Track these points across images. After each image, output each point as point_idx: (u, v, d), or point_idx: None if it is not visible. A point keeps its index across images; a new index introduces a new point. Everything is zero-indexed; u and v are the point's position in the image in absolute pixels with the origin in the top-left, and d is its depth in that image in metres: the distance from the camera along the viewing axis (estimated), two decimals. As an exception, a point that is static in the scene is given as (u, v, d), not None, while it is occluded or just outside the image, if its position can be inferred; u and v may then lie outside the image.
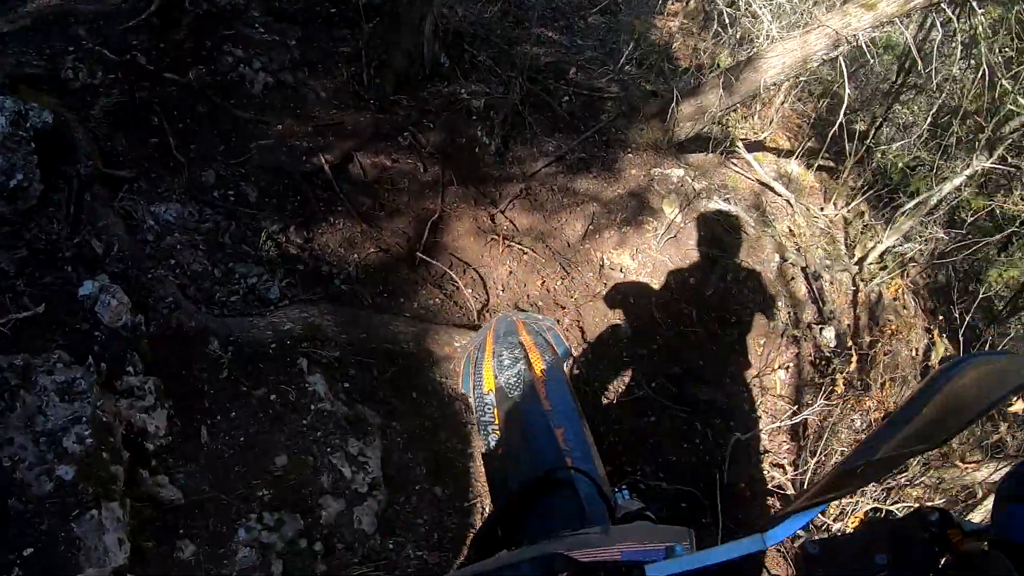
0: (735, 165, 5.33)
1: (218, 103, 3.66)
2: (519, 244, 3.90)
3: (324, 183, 3.57)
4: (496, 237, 3.79)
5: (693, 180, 4.80)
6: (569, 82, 4.92)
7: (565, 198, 4.28)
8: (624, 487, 1.43)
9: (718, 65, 6.28)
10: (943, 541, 0.65)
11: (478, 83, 4.38)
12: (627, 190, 4.52)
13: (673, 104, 4.61)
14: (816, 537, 0.70)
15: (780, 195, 5.37)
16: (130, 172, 3.33)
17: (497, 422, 1.41)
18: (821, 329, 4.66)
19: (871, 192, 5.72)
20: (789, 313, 4.55)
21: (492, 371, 1.46)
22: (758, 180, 5.34)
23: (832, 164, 6.19)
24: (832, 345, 4.59)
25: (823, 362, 4.46)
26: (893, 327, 5.12)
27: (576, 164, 4.46)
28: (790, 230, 5.17)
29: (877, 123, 6.45)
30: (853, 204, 5.76)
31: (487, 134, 4.13)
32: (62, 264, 2.92)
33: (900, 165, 6.05)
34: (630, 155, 4.69)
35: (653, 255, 4.29)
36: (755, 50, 5.05)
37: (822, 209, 5.73)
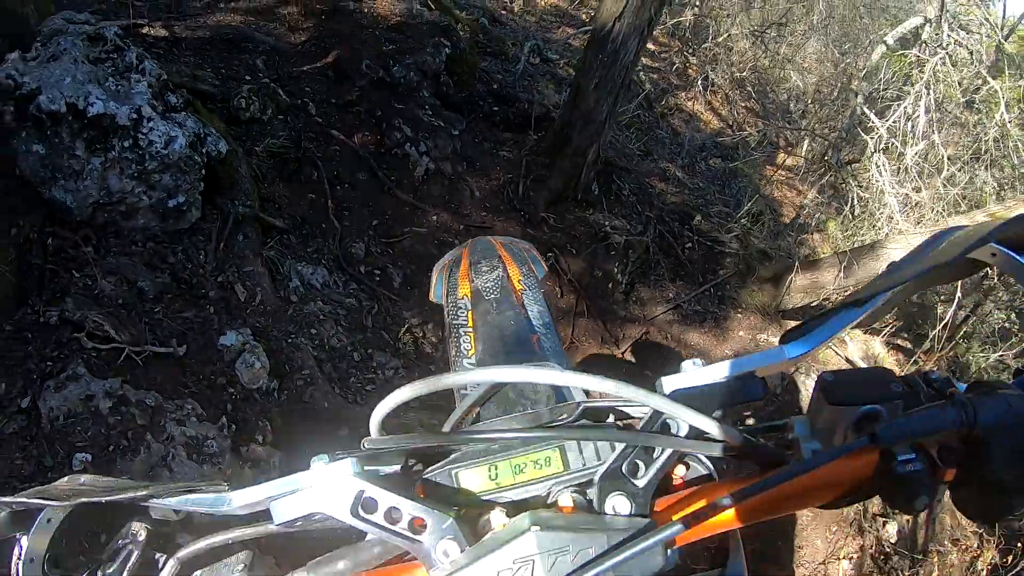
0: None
1: (380, 176, 3.57)
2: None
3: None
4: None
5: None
6: (693, 229, 4.91)
7: (677, 348, 4.18)
8: None
9: (825, 225, 6.34)
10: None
11: (620, 217, 4.33)
12: (733, 351, 4.44)
13: (792, 275, 4.57)
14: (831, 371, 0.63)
15: None
16: (284, 222, 3.21)
17: (471, 324, 1.34)
18: (885, 523, 4.51)
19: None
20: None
21: (468, 277, 1.43)
22: (847, 358, 5.31)
23: (910, 346, 6.14)
24: (893, 541, 4.44)
25: (882, 557, 4.30)
26: (951, 527, 5.02)
27: (691, 315, 4.40)
28: None
29: (969, 319, 6.35)
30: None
31: (621, 271, 4.05)
32: (204, 303, 2.76)
33: (983, 365, 5.94)
34: (739, 315, 4.64)
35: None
36: (878, 235, 5.05)
37: None
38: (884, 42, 6.31)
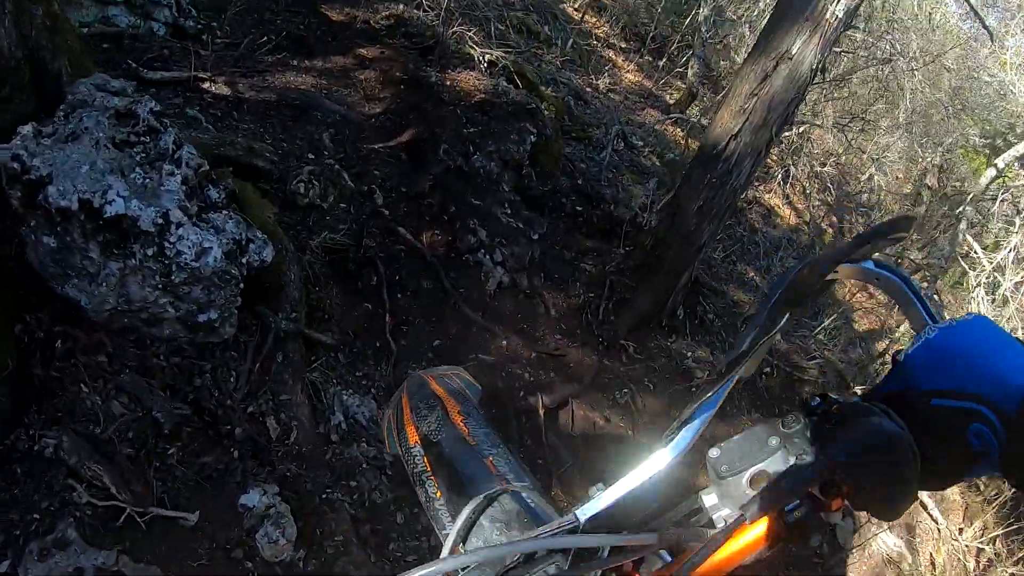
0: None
1: (447, 287, 3.12)
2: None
3: (533, 428, 2.96)
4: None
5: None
6: (772, 351, 4.41)
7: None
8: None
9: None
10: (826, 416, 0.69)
11: (704, 346, 3.84)
12: None
13: None
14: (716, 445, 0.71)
15: (934, 520, 5.00)
16: (333, 338, 2.76)
17: (429, 468, 1.34)
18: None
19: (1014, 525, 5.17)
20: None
21: (412, 424, 1.42)
22: (915, 497, 4.85)
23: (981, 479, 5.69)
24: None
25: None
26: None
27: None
28: (931, 559, 4.80)
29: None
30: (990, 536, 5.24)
31: (700, 414, 3.54)
32: (228, 443, 2.31)
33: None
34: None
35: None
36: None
37: (960, 531, 5.25)
38: (995, 165, 5.81)
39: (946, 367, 0.65)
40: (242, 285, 2.39)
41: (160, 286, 2.16)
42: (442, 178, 3.51)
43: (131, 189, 2.09)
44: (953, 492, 5.63)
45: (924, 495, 4.93)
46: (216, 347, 2.45)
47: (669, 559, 0.75)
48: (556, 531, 0.71)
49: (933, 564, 4.85)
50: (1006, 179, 5.78)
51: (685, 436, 0.72)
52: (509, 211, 3.60)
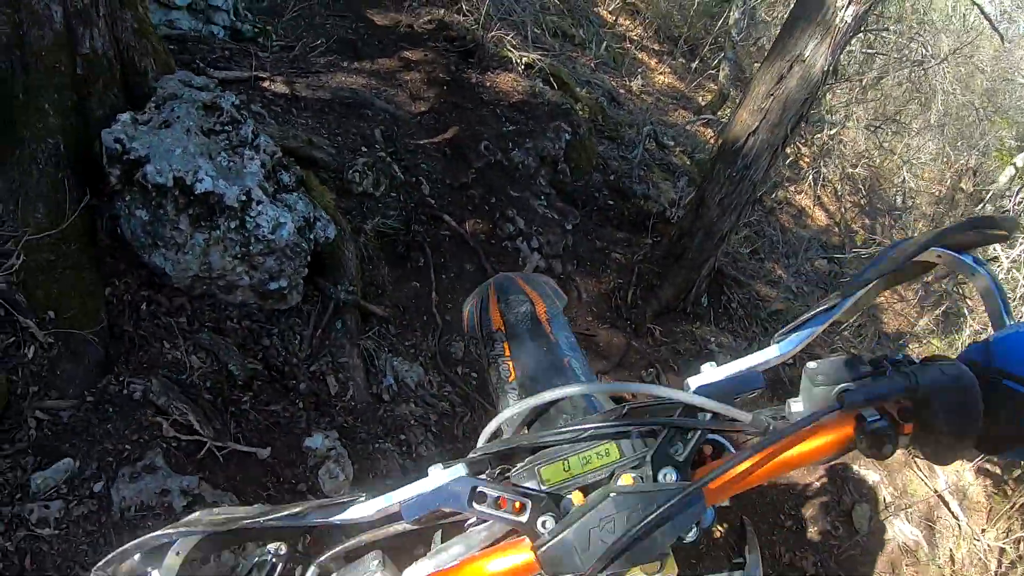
0: (917, 466, 4.95)
1: (488, 269, 3.40)
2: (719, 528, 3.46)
3: (564, 400, 3.21)
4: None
5: (886, 488, 4.41)
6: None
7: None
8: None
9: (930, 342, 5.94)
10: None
11: (728, 333, 4.05)
12: (820, 485, 4.10)
13: None
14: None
15: (955, 515, 4.98)
16: (384, 310, 3.04)
17: (507, 353, 1.46)
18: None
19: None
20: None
21: (500, 312, 1.54)
22: (935, 491, 4.93)
23: (999, 472, 5.71)
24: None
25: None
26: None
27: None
28: (951, 556, 4.74)
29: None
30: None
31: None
32: (294, 396, 2.60)
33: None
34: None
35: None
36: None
37: (983, 531, 5.29)
38: (1013, 164, 5.91)
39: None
40: (309, 258, 2.69)
41: (239, 256, 2.46)
42: (483, 172, 3.79)
43: (218, 170, 2.40)
44: (978, 493, 5.68)
45: (945, 492, 5.02)
46: (283, 313, 2.74)
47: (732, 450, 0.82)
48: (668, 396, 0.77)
49: (952, 560, 4.89)
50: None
51: (793, 340, 0.79)
52: (545, 203, 3.86)
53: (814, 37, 3.06)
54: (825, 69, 3.10)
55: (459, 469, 0.74)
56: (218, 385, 2.43)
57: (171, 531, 0.70)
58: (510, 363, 1.47)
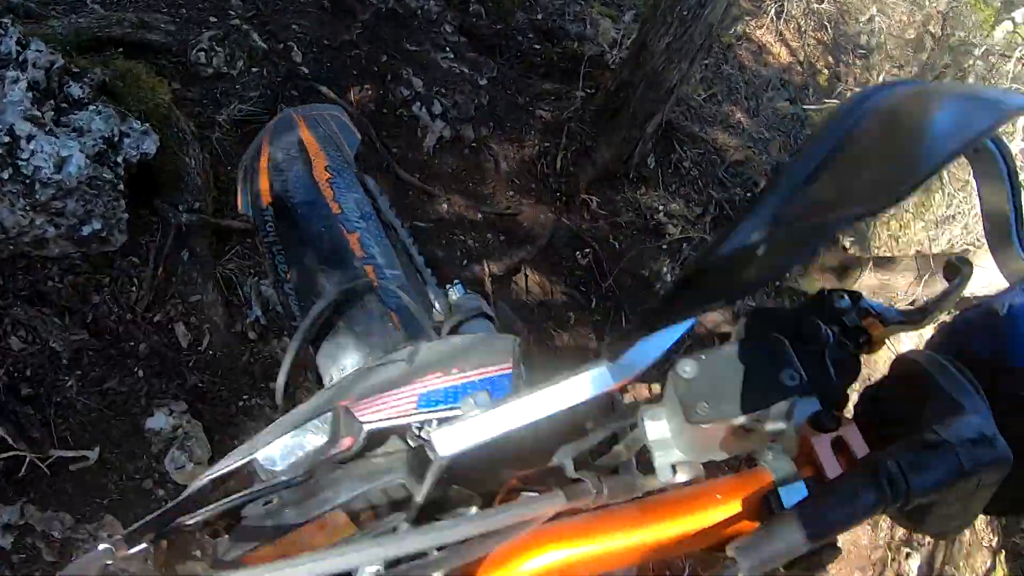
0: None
1: (377, 148, 2.77)
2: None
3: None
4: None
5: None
6: (753, 201, 4.09)
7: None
8: (457, 281, 1.24)
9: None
10: (860, 337, 0.52)
11: (679, 197, 3.51)
12: None
13: (862, 271, 3.77)
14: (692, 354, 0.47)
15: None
16: (246, 222, 2.44)
17: (280, 241, 1.15)
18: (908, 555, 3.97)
19: None
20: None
21: (268, 177, 1.20)
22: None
23: None
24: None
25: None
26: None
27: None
28: None
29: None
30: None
31: (671, 272, 3.26)
32: (132, 363, 2.08)
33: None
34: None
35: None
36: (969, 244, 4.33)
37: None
38: (1011, 18, 5.24)
39: None
40: (122, 187, 2.10)
41: (29, 207, 1.89)
42: (370, 25, 3.08)
43: (-37, 111, 1.76)
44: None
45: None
46: (113, 256, 2.17)
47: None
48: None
49: None
50: (1020, 35, 5.21)
51: (637, 355, 0.50)
52: (452, 55, 3.18)
53: None
54: None
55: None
56: (38, 372, 1.96)
57: None
58: (284, 254, 1.15)
